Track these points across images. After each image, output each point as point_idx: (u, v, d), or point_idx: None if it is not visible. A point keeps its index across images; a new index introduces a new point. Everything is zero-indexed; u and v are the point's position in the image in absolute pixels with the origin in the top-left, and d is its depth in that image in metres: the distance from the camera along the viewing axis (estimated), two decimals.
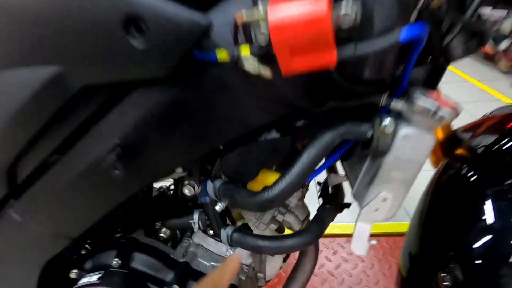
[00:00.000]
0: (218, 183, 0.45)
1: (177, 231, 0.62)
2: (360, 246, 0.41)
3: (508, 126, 0.61)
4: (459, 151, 0.64)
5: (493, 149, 0.57)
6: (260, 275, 0.71)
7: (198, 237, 0.61)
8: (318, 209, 0.51)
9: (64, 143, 0.44)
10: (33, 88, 0.37)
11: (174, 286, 0.52)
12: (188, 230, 0.63)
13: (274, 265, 0.77)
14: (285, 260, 0.80)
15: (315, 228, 0.46)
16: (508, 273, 0.45)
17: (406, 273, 0.61)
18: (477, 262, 0.49)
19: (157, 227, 0.61)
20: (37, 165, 0.46)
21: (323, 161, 0.44)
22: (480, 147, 0.60)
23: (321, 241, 1.44)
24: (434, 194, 0.63)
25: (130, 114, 0.38)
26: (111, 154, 0.39)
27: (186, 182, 0.49)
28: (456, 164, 0.62)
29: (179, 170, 0.49)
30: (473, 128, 0.68)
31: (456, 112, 0.33)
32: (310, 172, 0.38)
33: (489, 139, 0.60)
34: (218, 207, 0.45)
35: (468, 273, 0.50)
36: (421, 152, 0.36)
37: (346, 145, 0.41)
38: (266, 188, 0.39)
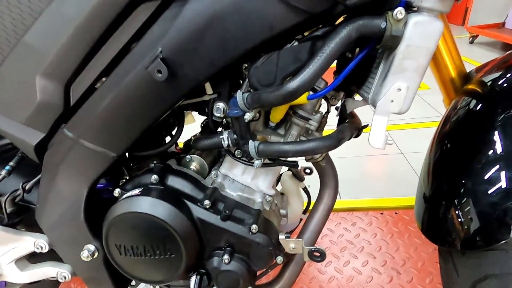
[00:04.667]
0: (246, 94, 0.50)
1: (206, 165, 0.68)
2: (377, 139, 0.45)
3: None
4: (469, 86, 0.67)
5: (498, 82, 0.60)
6: (282, 211, 0.75)
7: (225, 168, 0.66)
8: (338, 126, 0.56)
9: (111, 63, 0.50)
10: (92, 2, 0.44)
11: (206, 201, 0.57)
12: (216, 163, 0.69)
13: (295, 208, 0.81)
14: (304, 212, 0.84)
15: (335, 135, 0.50)
16: None
17: (421, 222, 0.62)
18: (489, 192, 0.50)
19: (188, 160, 0.67)
20: (88, 87, 0.53)
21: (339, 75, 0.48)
22: (488, 81, 0.63)
23: (340, 214, 1.46)
24: (443, 131, 0.65)
25: (171, 23, 0.45)
26: (156, 59, 0.45)
27: (216, 104, 0.54)
28: (465, 100, 0.64)
29: (209, 91, 0.55)
30: (482, 67, 0.70)
31: None
32: (329, 64, 0.42)
33: (496, 74, 0.63)
34: (247, 116, 0.50)
35: (480, 205, 0.51)
36: (431, 38, 0.40)
37: (363, 50, 0.46)
38: (289, 80, 0.44)
